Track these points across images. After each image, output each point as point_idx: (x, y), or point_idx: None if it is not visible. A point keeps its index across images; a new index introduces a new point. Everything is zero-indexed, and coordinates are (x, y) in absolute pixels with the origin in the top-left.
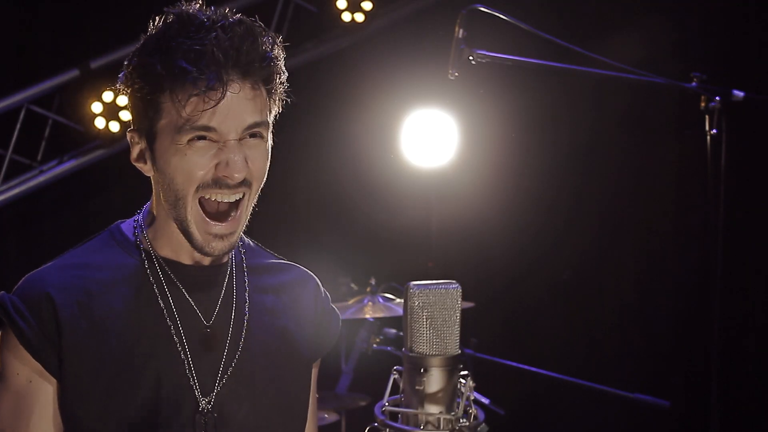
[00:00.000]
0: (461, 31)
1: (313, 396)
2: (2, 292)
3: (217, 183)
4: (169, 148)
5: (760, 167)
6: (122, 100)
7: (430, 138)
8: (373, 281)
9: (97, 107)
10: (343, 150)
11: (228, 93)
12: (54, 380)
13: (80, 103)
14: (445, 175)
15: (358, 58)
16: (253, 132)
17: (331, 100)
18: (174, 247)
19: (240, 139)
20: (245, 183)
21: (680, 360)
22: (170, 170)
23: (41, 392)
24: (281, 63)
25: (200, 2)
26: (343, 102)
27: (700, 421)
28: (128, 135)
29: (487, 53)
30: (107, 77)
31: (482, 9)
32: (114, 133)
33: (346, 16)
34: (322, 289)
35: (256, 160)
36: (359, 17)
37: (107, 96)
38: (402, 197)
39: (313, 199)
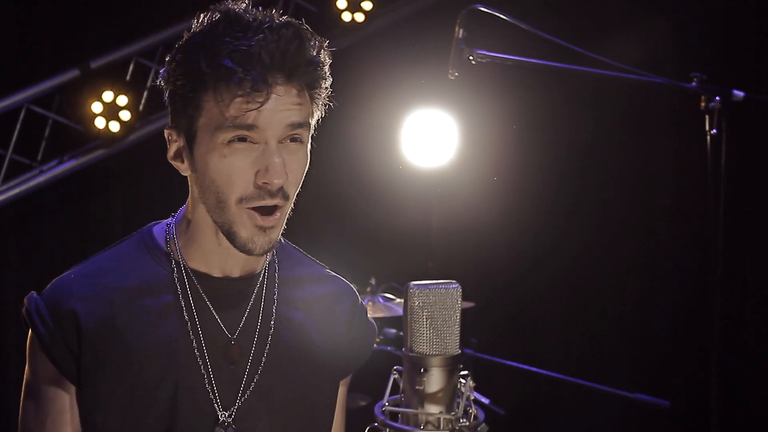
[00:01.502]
0: (461, 31)
1: (340, 413)
2: (33, 292)
3: (260, 192)
4: (208, 148)
5: (760, 167)
6: (122, 100)
7: (430, 138)
8: (373, 281)
9: (97, 107)
10: (343, 150)
11: (272, 95)
12: (71, 386)
13: (80, 103)
14: (445, 175)
15: (358, 58)
16: (294, 135)
17: (331, 100)
18: (205, 258)
19: (280, 142)
20: (283, 194)
21: (680, 360)
22: (210, 172)
23: (58, 397)
24: (327, 68)
25: (246, 2)
26: (343, 102)
27: (700, 421)
28: (166, 132)
29: (487, 53)
30: (107, 77)
31: (482, 9)
32: (114, 133)
33: (346, 16)
34: (360, 302)
35: (294, 166)
36: (359, 17)
37: (107, 96)
38: (402, 197)
39: (313, 199)
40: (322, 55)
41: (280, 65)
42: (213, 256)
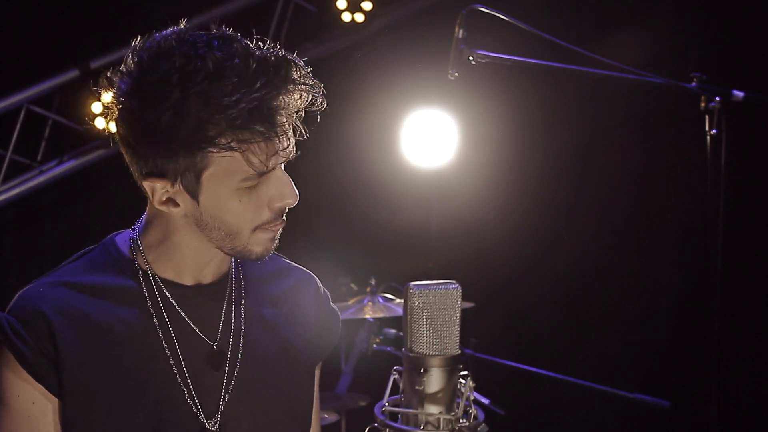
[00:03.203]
0: (461, 31)
1: (316, 398)
2: None
3: (276, 215)
4: (221, 195)
5: (760, 167)
6: None
7: (430, 138)
8: (373, 281)
9: (97, 107)
10: (343, 150)
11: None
12: (55, 399)
13: (80, 103)
14: (445, 175)
15: (358, 58)
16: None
17: (330, 100)
18: (177, 270)
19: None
20: None
21: (680, 360)
22: (221, 214)
23: (46, 413)
24: (318, 89)
25: (186, 26)
26: (342, 102)
27: (700, 421)
28: (146, 185)
29: (487, 53)
30: None
31: (482, 9)
32: (114, 133)
33: (346, 16)
34: (322, 289)
35: None
36: (359, 17)
37: (107, 96)
38: (402, 197)
39: (313, 199)
40: (313, 82)
41: (287, 106)
42: (188, 268)
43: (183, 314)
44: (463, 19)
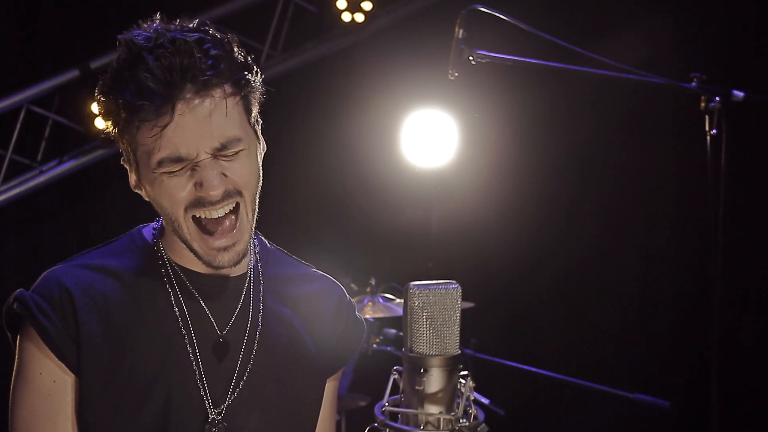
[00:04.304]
0: (461, 31)
1: (330, 407)
2: (21, 289)
3: (200, 202)
4: (148, 177)
5: (760, 167)
6: None
7: (430, 138)
8: (373, 281)
9: (97, 107)
10: (343, 150)
11: (186, 114)
12: (74, 377)
13: (80, 103)
14: (445, 175)
15: (358, 58)
16: (229, 147)
17: (331, 100)
18: (189, 257)
19: (214, 155)
20: (233, 194)
21: (680, 360)
22: (155, 196)
23: (66, 391)
24: (238, 61)
25: (158, 19)
26: (343, 102)
27: (700, 421)
28: (126, 167)
29: (487, 53)
30: None
31: (482, 9)
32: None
33: (346, 16)
34: (347, 298)
35: (238, 171)
36: (359, 17)
37: None
38: (402, 197)
39: (313, 199)
40: (231, 53)
41: (182, 81)
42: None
43: (200, 301)
44: (463, 19)
